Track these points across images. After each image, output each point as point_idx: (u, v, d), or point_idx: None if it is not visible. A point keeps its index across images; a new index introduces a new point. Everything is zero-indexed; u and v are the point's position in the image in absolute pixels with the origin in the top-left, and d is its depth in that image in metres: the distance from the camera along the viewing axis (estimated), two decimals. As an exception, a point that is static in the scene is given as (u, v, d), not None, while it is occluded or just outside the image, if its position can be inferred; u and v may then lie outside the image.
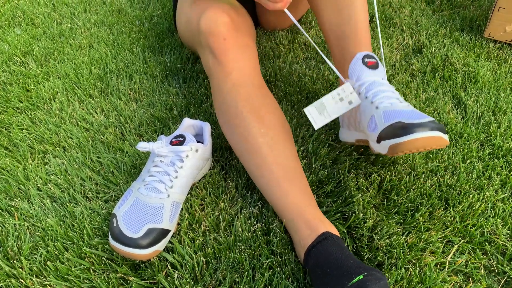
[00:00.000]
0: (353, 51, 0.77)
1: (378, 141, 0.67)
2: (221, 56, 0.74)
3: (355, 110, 0.76)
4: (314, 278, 0.60)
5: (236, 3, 0.85)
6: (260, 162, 0.71)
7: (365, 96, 0.72)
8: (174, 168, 0.70)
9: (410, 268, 0.65)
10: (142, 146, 0.69)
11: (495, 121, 0.94)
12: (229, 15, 0.76)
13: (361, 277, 0.53)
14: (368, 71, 0.73)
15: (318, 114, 0.73)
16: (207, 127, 0.79)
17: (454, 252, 0.68)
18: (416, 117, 0.64)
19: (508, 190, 0.78)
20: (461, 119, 0.96)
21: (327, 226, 0.64)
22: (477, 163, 0.83)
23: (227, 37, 0.73)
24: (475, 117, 0.96)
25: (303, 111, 0.73)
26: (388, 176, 0.79)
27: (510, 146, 0.87)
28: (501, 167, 0.83)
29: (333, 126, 0.93)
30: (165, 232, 0.66)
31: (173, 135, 0.74)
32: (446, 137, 0.64)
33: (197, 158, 0.74)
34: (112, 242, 0.63)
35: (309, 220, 0.65)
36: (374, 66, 0.74)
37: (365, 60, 0.74)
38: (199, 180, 0.80)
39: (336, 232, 0.64)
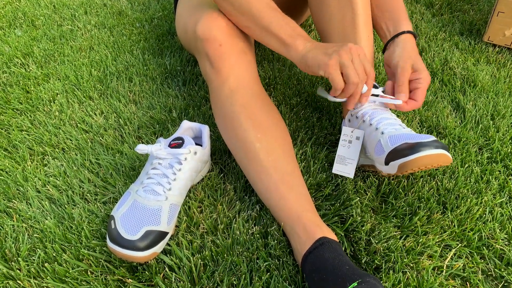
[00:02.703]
0: None
1: (387, 163, 0.70)
2: (217, 62, 0.74)
3: None
4: (310, 284, 0.60)
5: None
6: (258, 167, 0.71)
7: (370, 123, 0.75)
8: (173, 171, 0.71)
9: (408, 272, 0.65)
10: (141, 148, 0.69)
11: (493, 125, 0.94)
12: (225, 20, 0.76)
13: (355, 284, 0.53)
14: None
15: (344, 166, 0.77)
16: (205, 130, 0.79)
17: (451, 256, 0.68)
18: (420, 138, 0.68)
19: (506, 195, 0.78)
20: (459, 123, 0.96)
21: (324, 231, 0.64)
22: (475, 167, 0.83)
23: (223, 43, 0.73)
24: (473, 121, 0.96)
25: (333, 173, 0.79)
26: (386, 179, 0.79)
27: (509, 150, 0.87)
28: (499, 171, 0.83)
29: (333, 132, 0.93)
30: (163, 235, 0.66)
31: (172, 138, 0.75)
32: (449, 155, 0.68)
33: (195, 161, 0.74)
34: (110, 244, 0.63)
35: (306, 225, 0.65)
36: (374, 87, 0.78)
37: None
38: (198, 183, 0.80)
39: (334, 237, 0.64)
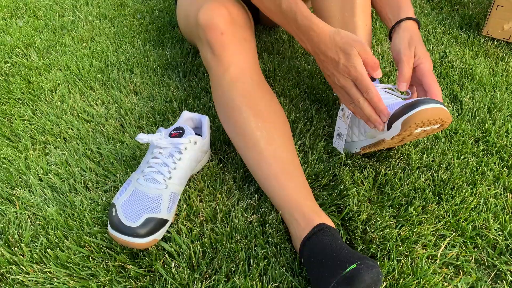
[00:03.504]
0: None
1: (389, 126, 0.69)
2: (218, 50, 0.74)
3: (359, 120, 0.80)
4: (309, 269, 0.61)
5: None
6: (258, 156, 0.72)
7: None
8: (173, 160, 0.72)
9: (402, 260, 0.66)
10: (142, 137, 0.70)
11: (490, 118, 0.95)
12: (227, 9, 0.76)
13: (354, 266, 0.55)
14: None
15: (340, 141, 0.83)
16: (205, 120, 0.80)
17: (445, 245, 0.70)
18: (418, 98, 0.68)
19: (500, 186, 0.80)
20: (456, 115, 0.97)
21: (322, 218, 0.65)
22: (471, 159, 0.84)
23: (224, 32, 0.74)
24: (470, 114, 0.97)
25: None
26: (383, 170, 0.81)
27: (504, 143, 0.88)
28: (495, 163, 0.85)
29: (331, 123, 0.94)
30: (163, 222, 0.67)
31: (172, 128, 0.76)
32: (448, 112, 0.67)
33: (195, 151, 0.75)
34: (111, 231, 0.65)
35: (305, 213, 0.66)
36: (372, 79, 0.78)
37: None
38: (198, 172, 0.81)
39: (332, 224, 0.66)
